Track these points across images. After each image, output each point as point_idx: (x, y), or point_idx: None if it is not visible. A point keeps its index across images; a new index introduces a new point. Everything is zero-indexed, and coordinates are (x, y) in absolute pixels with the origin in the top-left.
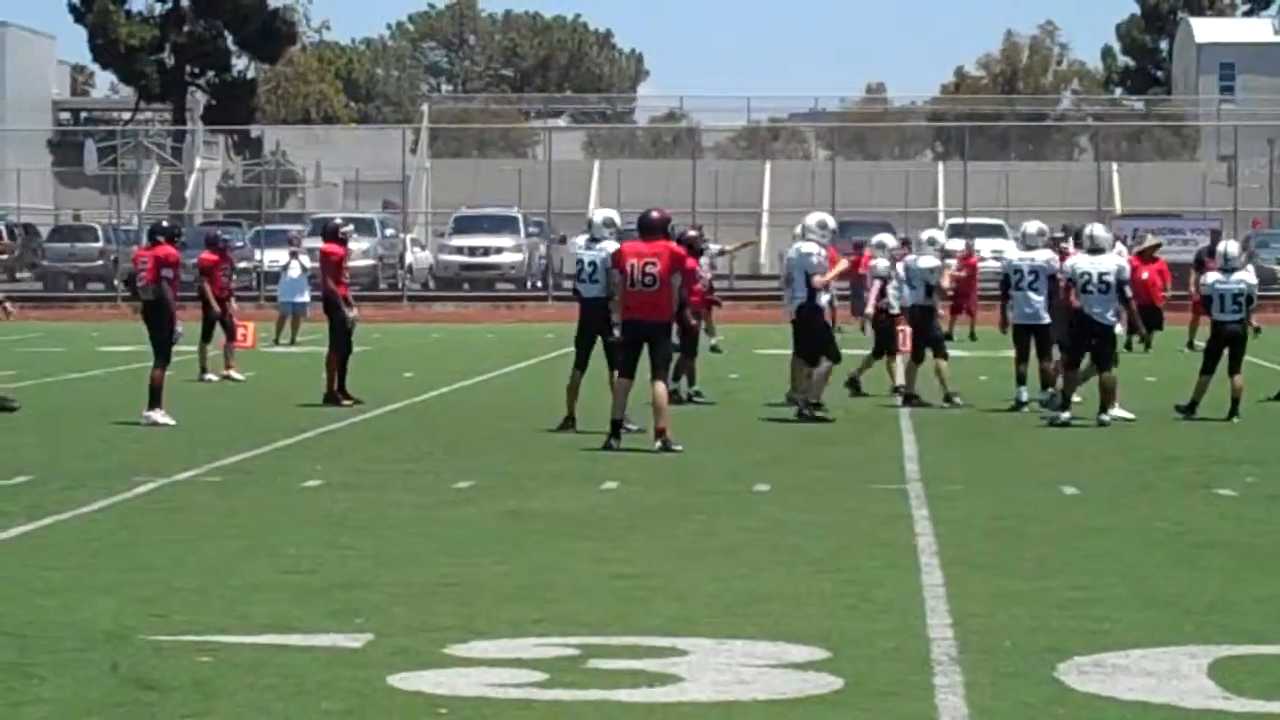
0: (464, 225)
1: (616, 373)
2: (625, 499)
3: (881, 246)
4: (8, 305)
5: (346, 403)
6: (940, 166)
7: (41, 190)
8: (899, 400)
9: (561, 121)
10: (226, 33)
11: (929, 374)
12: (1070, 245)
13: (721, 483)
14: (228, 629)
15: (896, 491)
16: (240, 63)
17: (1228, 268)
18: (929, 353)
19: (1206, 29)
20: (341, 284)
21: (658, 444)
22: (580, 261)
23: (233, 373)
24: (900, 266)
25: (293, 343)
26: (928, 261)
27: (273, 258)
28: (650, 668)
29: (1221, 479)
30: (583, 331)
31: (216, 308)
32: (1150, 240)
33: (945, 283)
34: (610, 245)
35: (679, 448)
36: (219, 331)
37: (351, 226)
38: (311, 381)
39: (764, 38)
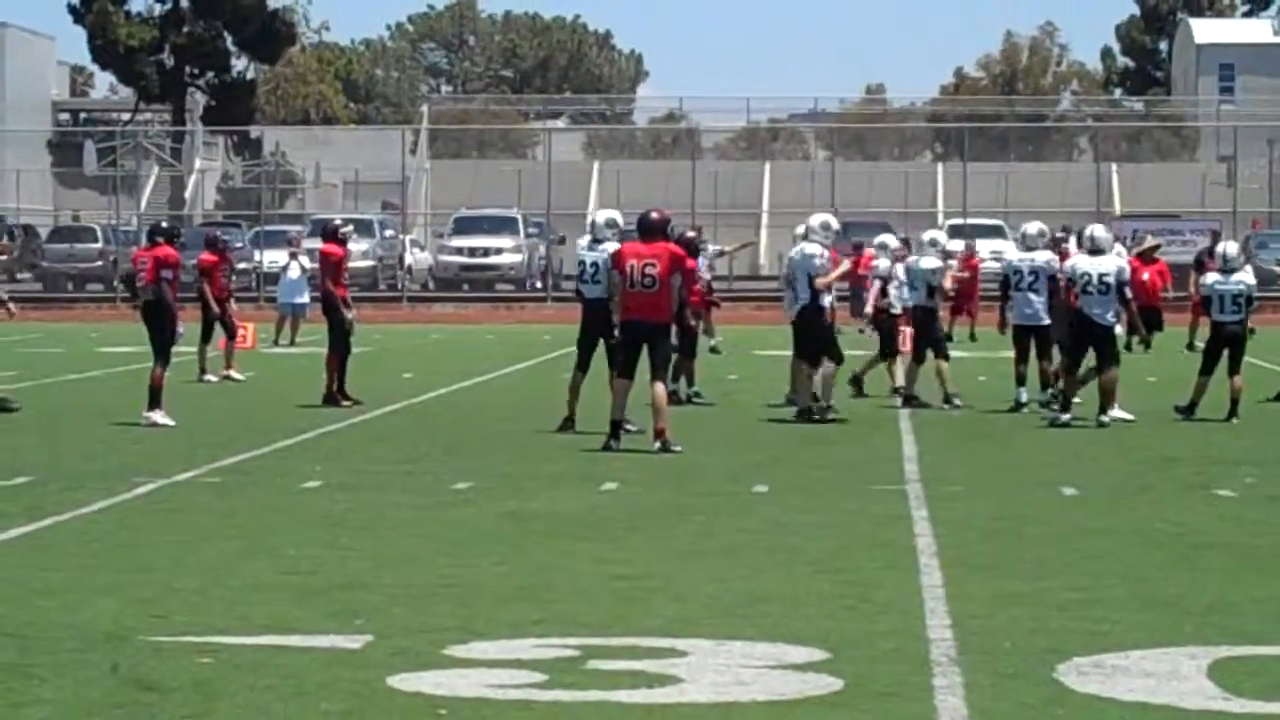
0: (463, 226)
1: (615, 373)
2: (624, 500)
3: (884, 247)
4: (10, 306)
5: (346, 404)
6: (940, 167)
7: (41, 191)
8: (899, 401)
9: (561, 122)
10: (226, 33)
11: (930, 375)
12: (1072, 245)
13: (721, 484)
14: (227, 630)
15: (896, 492)
16: (240, 63)
17: (1227, 268)
18: (930, 354)
19: (1206, 30)
20: (340, 285)
21: (657, 445)
22: (583, 262)
23: (233, 373)
24: (900, 268)
25: (292, 344)
26: (930, 263)
27: (272, 259)
28: (650, 669)
29: (1221, 480)
30: (585, 332)
31: (216, 308)
32: (1150, 241)
33: (948, 284)
34: (612, 246)
35: (678, 449)
36: (219, 332)
37: (351, 227)
38: (311, 382)
39: (763, 38)
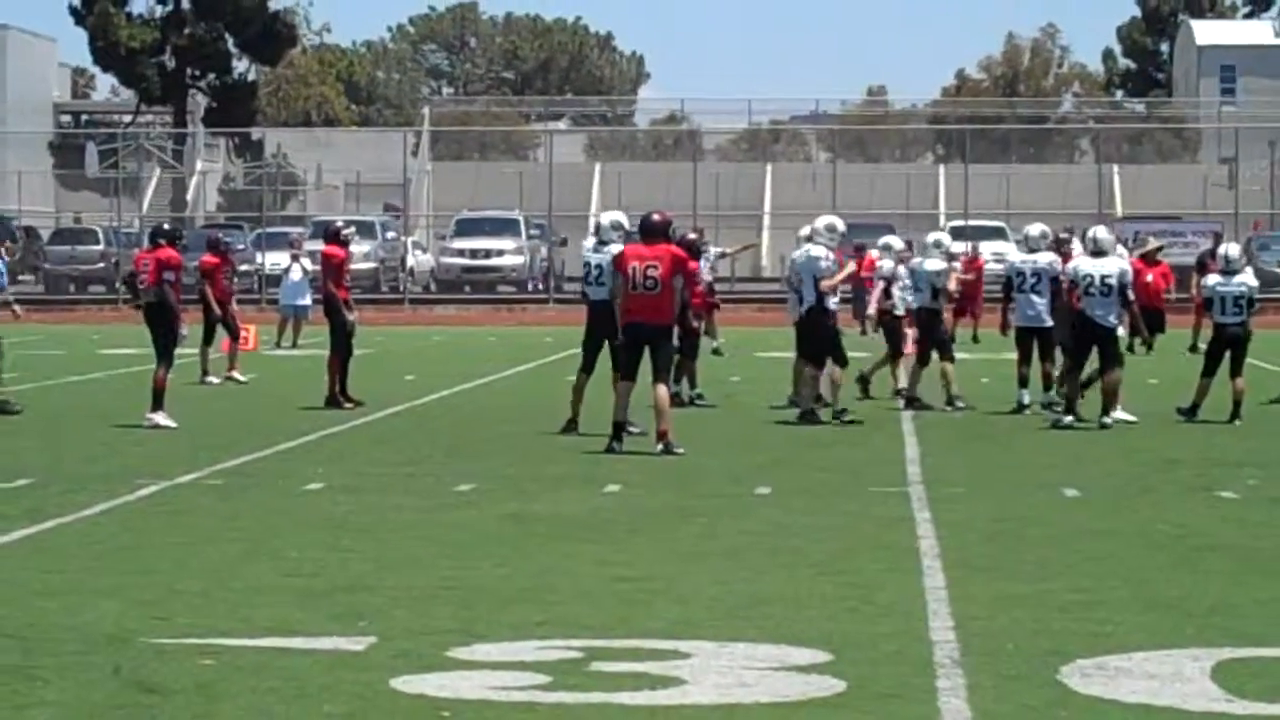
0: (465, 228)
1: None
2: (627, 502)
3: (888, 248)
4: (16, 308)
5: (348, 405)
6: (941, 169)
7: (42, 193)
8: (901, 403)
9: (562, 124)
10: (227, 35)
11: (933, 376)
12: (1076, 246)
13: (723, 485)
14: (230, 632)
15: (898, 494)
16: (241, 65)
17: (1229, 270)
18: (934, 355)
19: (1207, 31)
20: (342, 287)
21: (659, 447)
22: (588, 264)
23: (235, 373)
24: (903, 269)
25: (294, 345)
26: (934, 264)
27: (274, 260)
28: (653, 670)
29: (1223, 481)
30: (590, 334)
31: (217, 310)
32: (1153, 243)
33: (952, 285)
34: (618, 248)
35: (681, 450)
36: (221, 334)
37: (353, 229)
38: (313, 384)
39: (765, 40)
